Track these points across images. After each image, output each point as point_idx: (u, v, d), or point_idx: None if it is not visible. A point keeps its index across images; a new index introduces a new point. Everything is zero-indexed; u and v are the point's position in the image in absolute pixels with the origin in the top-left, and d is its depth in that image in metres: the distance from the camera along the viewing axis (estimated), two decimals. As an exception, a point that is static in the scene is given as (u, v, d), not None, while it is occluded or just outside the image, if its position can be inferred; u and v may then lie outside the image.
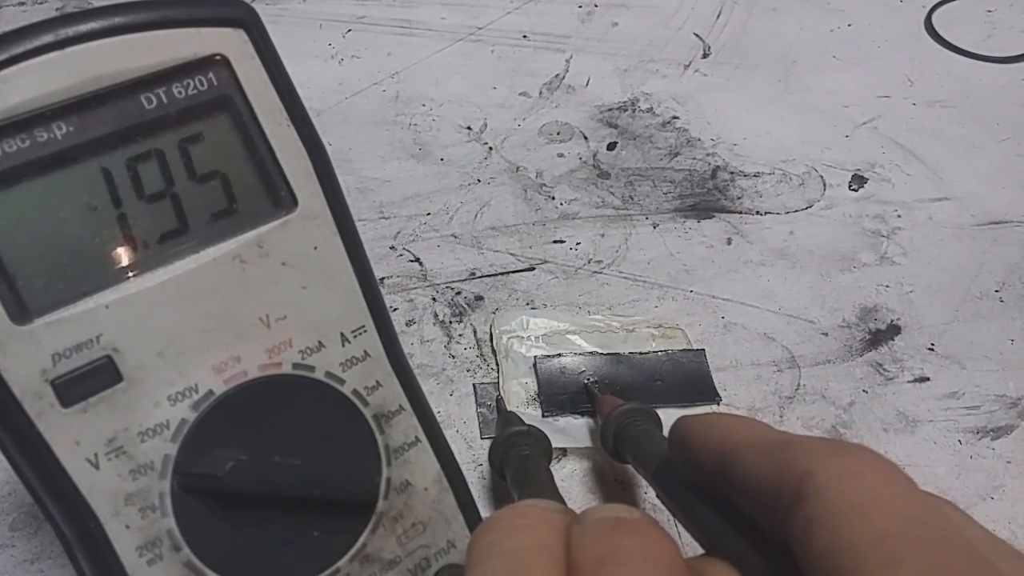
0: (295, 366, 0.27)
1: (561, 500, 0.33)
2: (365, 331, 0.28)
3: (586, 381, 0.44)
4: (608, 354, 0.45)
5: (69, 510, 0.24)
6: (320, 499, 0.26)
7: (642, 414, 0.37)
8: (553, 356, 0.45)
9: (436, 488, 0.29)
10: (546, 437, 0.38)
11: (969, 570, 0.16)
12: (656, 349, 0.46)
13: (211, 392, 0.25)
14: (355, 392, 0.28)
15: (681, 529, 0.39)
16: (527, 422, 0.39)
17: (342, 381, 0.27)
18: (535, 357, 0.45)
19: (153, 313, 0.25)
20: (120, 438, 0.24)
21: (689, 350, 0.46)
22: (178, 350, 0.25)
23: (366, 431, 0.28)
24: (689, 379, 0.45)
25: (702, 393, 0.44)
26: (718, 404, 0.44)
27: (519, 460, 0.36)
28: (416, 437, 0.29)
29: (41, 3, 0.71)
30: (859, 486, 0.18)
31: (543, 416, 0.43)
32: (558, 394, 0.44)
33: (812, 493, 0.18)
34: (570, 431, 0.42)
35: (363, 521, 0.27)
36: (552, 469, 0.38)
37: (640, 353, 0.45)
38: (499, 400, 0.43)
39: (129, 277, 0.25)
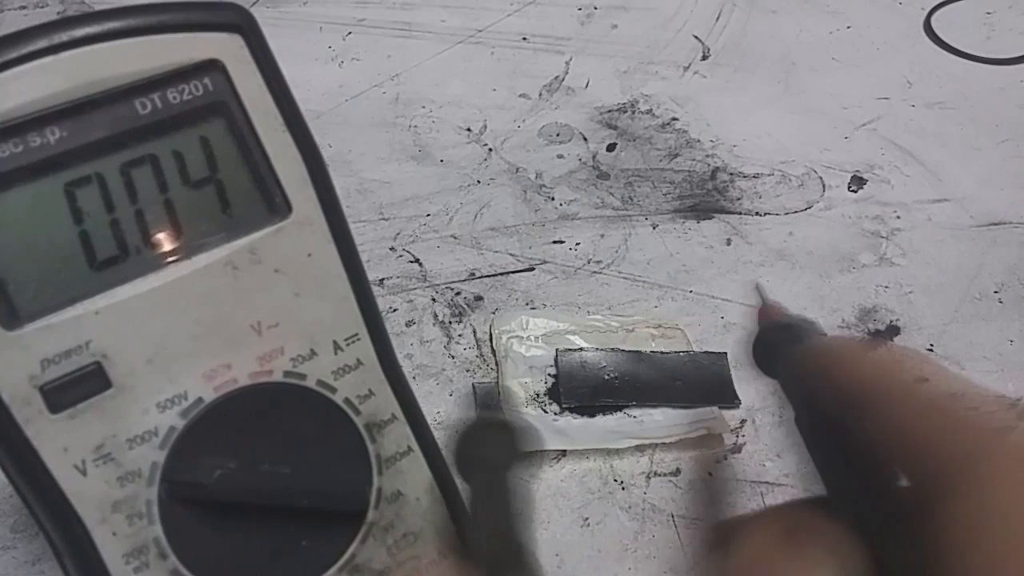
0: (286, 374, 0.27)
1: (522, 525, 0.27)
2: (358, 339, 0.28)
3: (606, 376, 0.44)
4: (630, 351, 0.45)
5: (56, 516, 0.24)
6: (309, 509, 0.25)
7: (802, 331, 0.32)
8: (575, 349, 0.45)
9: (428, 498, 0.29)
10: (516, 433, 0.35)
11: None
12: (656, 349, 0.46)
13: (200, 399, 0.25)
14: (347, 401, 0.27)
15: (680, 529, 0.39)
16: (523, 420, 0.38)
17: (334, 389, 0.27)
18: (556, 349, 0.45)
19: (143, 319, 0.24)
20: (108, 445, 0.24)
21: (711, 352, 0.46)
22: (168, 357, 0.25)
23: (357, 440, 0.27)
24: (709, 381, 0.45)
25: (721, 396, 0.44)
26: (736, 408, 0.44)
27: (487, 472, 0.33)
28: (408, 446, 0.28)
29: (42, 7, 0.71)
30: None
31: (561, 407, 0.43)
32: (578, 387, 0.43)
33: (975, 482, 0.18)
34: (569, 432, 0.42)
35: (353, 531, 0.27)
36: (550, 470, 0.37)
37: (662, 352, 0.45)
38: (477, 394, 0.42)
39: (120, 283, 0.24)
